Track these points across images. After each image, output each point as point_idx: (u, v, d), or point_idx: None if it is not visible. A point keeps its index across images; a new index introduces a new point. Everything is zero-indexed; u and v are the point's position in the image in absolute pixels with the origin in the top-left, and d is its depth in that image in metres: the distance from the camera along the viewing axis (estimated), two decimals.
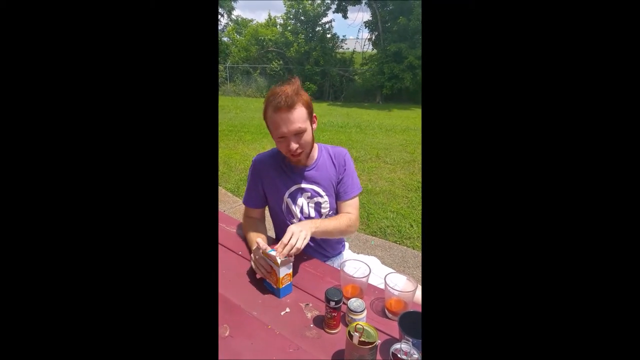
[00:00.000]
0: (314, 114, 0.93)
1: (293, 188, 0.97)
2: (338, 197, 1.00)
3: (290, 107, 0.83)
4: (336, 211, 1.01)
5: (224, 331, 0.66)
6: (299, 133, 0.86)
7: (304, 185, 0.98)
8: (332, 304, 0.65)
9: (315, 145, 1.00)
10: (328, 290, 0.66)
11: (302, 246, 0.78)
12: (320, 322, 0.69)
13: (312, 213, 0.98)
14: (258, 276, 0.81)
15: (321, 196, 0.98)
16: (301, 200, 0.98)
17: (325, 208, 0.99)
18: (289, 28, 13.69)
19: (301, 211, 0.99)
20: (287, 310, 0.71)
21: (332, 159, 1.01)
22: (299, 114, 0.85)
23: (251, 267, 0.86)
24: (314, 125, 0.93)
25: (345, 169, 1.00)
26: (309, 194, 0.98)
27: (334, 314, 0.66)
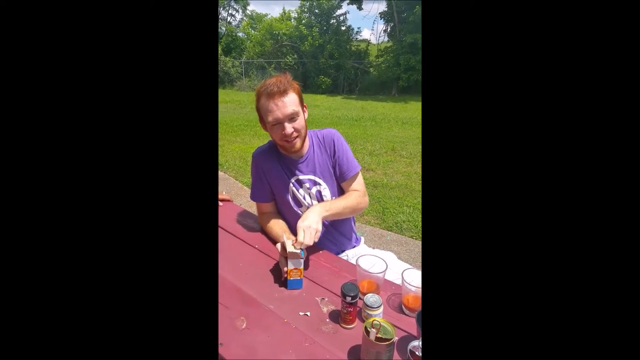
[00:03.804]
0: (304, 104, 0.95)
1: (293, 179, 0.99)
2: (339, 180, 1.01)
3: (283, 92, 0.87)
4: (339, 195, 1.01)
5: (240, 324, 0.67)
6: (293, 117, 0.89)
7: (301, 177, 0.99)
8: (349, 299, 0.64)
9: (308, 133, 1.00)
10: (344, 285, 0.66)
11: (312, 242, 0.80)
12: (336, 317, 0.69)
13: (315, 202, 0.99)
14: (284, 276, 0.81)
15: (319, 184, 0.99)
16: (302, 192, 1.00)
17: (326, 195, 0.99)
18: (303, 22, 13.61)
19: (304, 201, 1.00)
20: (308, 313, 0.71)
21: (321, 144, 1.01)
22: (292, 99, 0.89)
23: (273, 264, 0.87)
24: (305, 115, 0.95)
25: (335, 151, 1.00)
26: (307, 184, 0.99)
27: (350, 309, 0.65)
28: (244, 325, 0.67)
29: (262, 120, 0.94)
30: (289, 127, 0.89)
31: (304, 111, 0.94)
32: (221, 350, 0.61)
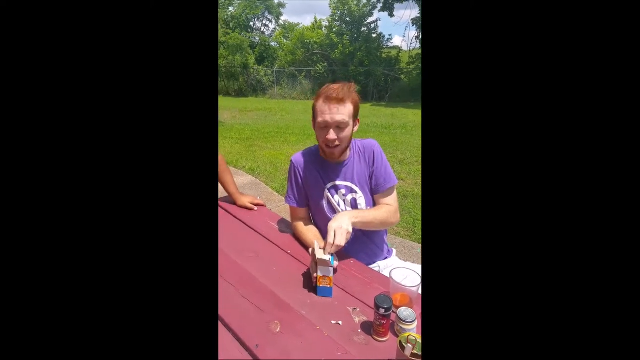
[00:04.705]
0: (358, 117, 0.97)
1: (329, 185, 1.01)
2: (373, 191, 1.01)
3: (340, 100, 0.90)
4: (374, 206, 1.02)
5: (275, 327, 0.69)
6: (340, 126, 0.91)
7: (338, 183, 1.01)
8: (382, 311, 0.64)
9: (351, 143, 1.02)
10: (378, 297, 0.66)
11: (344, 242, 0.81)
12: (368, 328, 0.69)
13: (349, 209, 1.00)
14: (314, 282, 0.83)
15: (355, 192, 1.00)
16: (337, 198, 1.01)
17: (361, 204, 1.00)
18: (334, 30, 13.77)
19: (338, 207, 1.02)
20: (340, 322, 0.72)
21: (361, 153, 1.02)
22: (346, 108, 0.91)
23: (305, 270, 0.89)
24: (355, 127, 0.97)
25: (374, 161, 1.00)
26: (343, 191, 1.01)
27: (383, 321, 0.65)
28: (278, 329, 0.69)
29: (314, 119, 0.97)
30: (332, 134, 0.92)
31: (354, 123, 0.96)
32: (257, 352, 0.63)
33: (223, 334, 0.68)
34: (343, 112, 0.90)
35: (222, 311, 0.73)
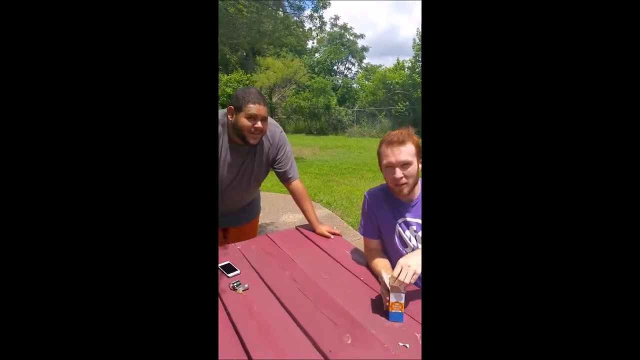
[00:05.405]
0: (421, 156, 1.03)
1: (400, 220, 1.07)
2: None
3: (401, 142, 1.00)
4: None
5: (347, 339, 0.78)
6: (405, 165, 0.99)
7: (409, 219, 1.06)
8: None
9: (419, 181, 1.08)
10: None
11: (411, 281, 0.84)
12: None
13: (420, 246, 1.03)
14: (385, 308, 0.89)
15: None
16: (408, 233, 1.06)
17: None
18: (417, 70, 13.95)
19: (410, 242, 1.06)
20: (407, 345, 0.77)
21: None
22: (408, 149, 1.00)
23: (375, 295, 0.97)
24: (420, 165, 1.03)
25: None
26: (415, 227, 1.05)
27: None
28: (349, 341, 0.78)
29: (380, 163, 1.09)
30: (398, 172, 1.01)
31: (419, 162, 1.04)
32: (330, 356, 0.73)
33: (301, 339, 0.80)
34: (405, 152, 0.99)
35: (301, 320, 0.86)
